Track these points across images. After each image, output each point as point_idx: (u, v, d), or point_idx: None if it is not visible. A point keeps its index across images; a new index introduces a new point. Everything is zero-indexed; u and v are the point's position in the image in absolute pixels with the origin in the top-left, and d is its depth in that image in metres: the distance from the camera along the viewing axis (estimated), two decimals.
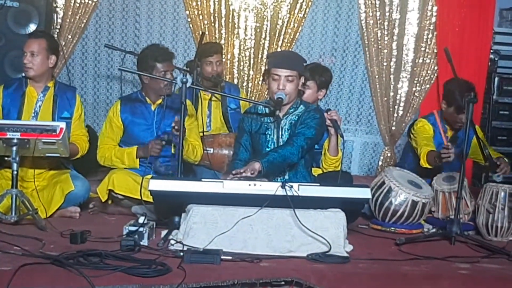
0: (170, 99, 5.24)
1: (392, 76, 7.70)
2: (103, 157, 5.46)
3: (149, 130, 5.41)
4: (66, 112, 5.26)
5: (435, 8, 7.58)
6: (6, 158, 4.64)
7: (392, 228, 5.14)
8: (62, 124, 4.70)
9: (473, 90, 5.42)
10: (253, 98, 7.38)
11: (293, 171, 5.06)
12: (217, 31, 7.43)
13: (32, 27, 6.33)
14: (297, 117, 5.06)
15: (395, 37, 7.66)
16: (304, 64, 5.16)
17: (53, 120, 5.16)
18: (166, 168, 5.34)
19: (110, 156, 5.41)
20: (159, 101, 5.42)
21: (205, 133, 5.77)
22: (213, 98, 6.39)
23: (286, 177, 5.04)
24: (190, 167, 5.78)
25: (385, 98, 7.70)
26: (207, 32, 7.28)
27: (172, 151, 5.28)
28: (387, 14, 7.61)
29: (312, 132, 4.98)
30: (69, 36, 7.16)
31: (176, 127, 5.03)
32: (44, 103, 5.22)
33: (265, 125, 5.11)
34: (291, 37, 7.52)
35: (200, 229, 4.17)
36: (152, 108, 5.44)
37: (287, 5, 7.50)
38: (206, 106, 6.39)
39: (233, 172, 4.66)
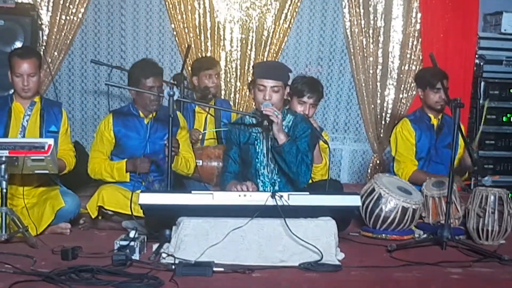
0: (162, 112, 5.23)
1: (378, 84, 7.73)
2: (94, 171, 5.43)
3: (142, 143, 5.39)
4: (54, 126, 5.25)
5: (419, 15, 7.64)
6: None
7: (383, 235, 5.15)
8: (50, 141, 4.70)
9: (444, 74, 5.77)
10: (240, 109, 7.39)
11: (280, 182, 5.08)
12: (203, 44, 7.44)
13: (18, 45, 6.31)
14: (286, 128, 5.07)
15: (380, 45, 7.71)
16: (290, 73, 5.17)
17: (41, 134, 5.16)
18: (160, 185, 5.32)
19: (100, 170, 5.39)
20: (152, 114, 5.41)
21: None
22: (208, 114, 6.38)
23: (276, 187, 5.05)
24: (180, 180, 5.78)
25: (372, 106, 7.73)
26: (193, 45, 7.30)
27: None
28: (372, 22, 7.65)
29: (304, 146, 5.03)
30: (55, 53, 7.15)
31: (167, 144, 5.05)
32: (31, 117, 5.20)
33: (254, 136, 5.11)
34: (277, 47, 7.54)
35: (191, 242, 4.17)
36: (145, 121, 5.44)
37: (272, 16, 7.53)
38: (203, 122, 6.39)
39: None
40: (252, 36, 7.55)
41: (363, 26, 7.63)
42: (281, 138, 4.90)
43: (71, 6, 7.13)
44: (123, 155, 5.42)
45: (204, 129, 6.34)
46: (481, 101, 7.51)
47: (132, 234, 4.32)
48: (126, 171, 5.32)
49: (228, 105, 6.75)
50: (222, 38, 7.52)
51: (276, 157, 4.99)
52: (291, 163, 4.91)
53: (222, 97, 7.30)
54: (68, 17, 7.14)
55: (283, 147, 4.88)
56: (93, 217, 5.24)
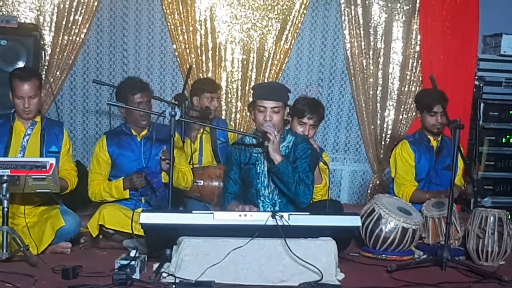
0: (157, 129, 5.26)
1: (378, 105, 7.76)
2: (94, 193, 5.44)
3: (138, 161, 5.41)
4: (54, 146, 5.26)
5: (419, 37, 7.68)
6: None
7: (383, 255, 5.15)
8: (52, 160, 4.71)
9: (442, 94, 5.71)
10: (241, 129, 7.40)
11: (280, 203, 5.09)
12: (204, 64, 7.48)
13: (20, 65, 6.35)
14: (287, 148, 5.09)
15: (380, 66, 7.74)
16: (289, 93, 5.19)
17: (41, 154, 5.16)
18: (161, 196, 5.32)
19: (100, 191, 5.41)
20: (145, 132, 5.45)
21: (194, 166, 5.78)
22: (204, 132, 6.42)
23: (277, 208, 5.05)
24: (181, 200, 5.78)
25: (373, 127, 7.75)
26: (194, 66, 7.33)
27: (163, 180, 5.27)
28: (372, 43, 7.69)
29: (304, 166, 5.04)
30: (57, 73, 7.19)
31: (163, 157, 5.07)
32: (32, 137, 5.21)
33: (254, 156, 5.12)
34: (278, 68, 7.58)
35: (191, 261, 4.17)
36: (138, 139, 5.46)
37: (273, 37, 7.57)
38: (198, 140, 6.41)
39: None
40: (253, 57, 7.59)
41: (363, 47, 7.67)
42: (277, 159, 4.91)
43: (73, 27, 7.19)
44: (121, 174, 5.43)
45: (200, 148, 6.37)
46: (480, 123, 7.54)
47: (132, 253, 4.32)
48: (124, 189, 5.34)
49: (225, 124, 6.78)
50: (223, 59, 7.56)
51: (274, 178, 5.01)
52: (288, 183, 4.92)
53: (223, 117, 7.34)
54: (70, 38, 7.19)
55: (278, 167, 4.89)
56: (94, 236, 5.25)
